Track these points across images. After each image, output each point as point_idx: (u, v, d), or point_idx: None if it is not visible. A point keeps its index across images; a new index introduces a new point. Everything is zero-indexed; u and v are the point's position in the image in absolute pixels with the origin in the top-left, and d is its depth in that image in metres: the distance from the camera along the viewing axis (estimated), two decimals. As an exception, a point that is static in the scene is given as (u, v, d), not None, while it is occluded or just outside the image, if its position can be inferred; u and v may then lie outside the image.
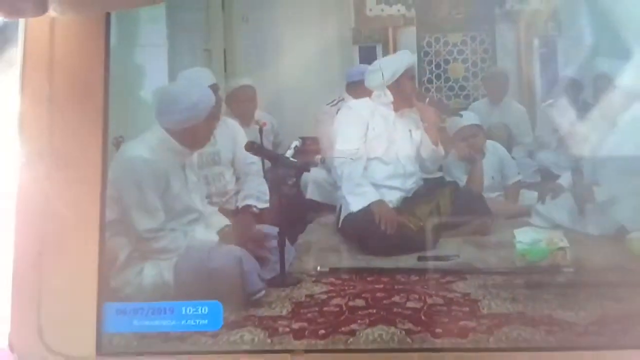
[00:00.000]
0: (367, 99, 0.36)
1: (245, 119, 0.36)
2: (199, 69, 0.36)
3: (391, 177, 0.36)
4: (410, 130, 0.36)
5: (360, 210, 0.33)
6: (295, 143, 0.35)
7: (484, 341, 0.33)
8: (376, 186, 0.35)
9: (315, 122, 0.36)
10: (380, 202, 0.33)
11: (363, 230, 0.34)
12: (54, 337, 0.33)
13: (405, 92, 0.36)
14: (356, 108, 0.36)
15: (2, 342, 0.39)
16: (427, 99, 0.36)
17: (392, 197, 0.35)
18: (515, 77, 0.35)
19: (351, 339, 0.34)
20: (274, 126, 0.36)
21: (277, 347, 0.33)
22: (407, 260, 0.35)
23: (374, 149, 0.35)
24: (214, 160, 0.37)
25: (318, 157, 0.34)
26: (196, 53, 0.36)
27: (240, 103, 0.36)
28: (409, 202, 0.35)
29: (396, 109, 0.36)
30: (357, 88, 0.36)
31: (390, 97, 0.37)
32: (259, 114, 0.36)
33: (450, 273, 0.34)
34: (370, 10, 0.39)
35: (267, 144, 0.36)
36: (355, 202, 0.34)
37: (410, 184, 0.35)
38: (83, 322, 0.33)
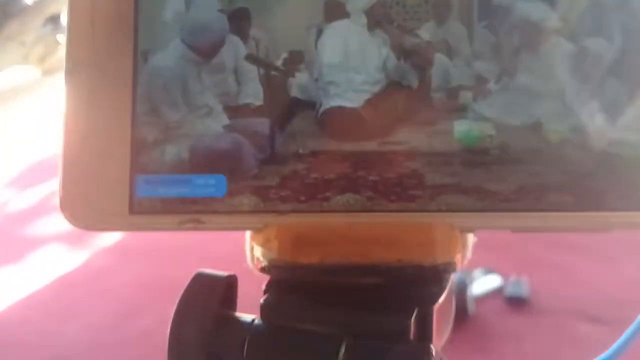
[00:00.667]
0: (346, 20, 0.44)
1: (243, 35, 0.44)
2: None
3: (362, 84, 0.44)
4: (379, 47, 0.45)
5: (340, 107, 0.42)
6: (284, 55, 0.44)
7: (427, 205, 0.42)
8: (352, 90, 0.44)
9: (300, 39, 0.44)
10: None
11: (339, 122, 0.43)
12: (96, 200, 0.42)
13: (377, 16, 0.44)
14: (338, 27, 0.44)
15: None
16: (395, 22, 0.44)
17: (361, 98, 0.44)
18: (458, 3, 0.44)
19: (325, 203, 0.43)
20: (267, 41, 0.44)
21: (268, 209, 0.43)
22: (370, 145, 0.44)
23: (351, 62, 0.44)
24: (220, 68, 0.45)
25: (302, 65, 0.43)
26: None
27: (239, 22, 0.44)
28: (372, 101, 0.44)
29: (369, 29, 0.44)
30: (335, 11, 0.44)
31: (364, 19, 0.45)
32: (253, 31, 0.44)
33: (402, 155, 0.43)
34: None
35: (262, 56, 0.44)
36: (344, 102, 0.42)
37: (376, 88, 0.43)
38: (118, 190, 0.42)
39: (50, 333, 2.14)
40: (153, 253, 2.60)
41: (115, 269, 2.50)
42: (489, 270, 2.10)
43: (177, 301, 0.44)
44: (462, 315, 1.88)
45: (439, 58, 0.42)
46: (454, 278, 0.43)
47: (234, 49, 0.43)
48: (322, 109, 0.41)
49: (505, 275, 2.05)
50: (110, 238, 2.80)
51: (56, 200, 0.43)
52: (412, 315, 0.38)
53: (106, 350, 2.01)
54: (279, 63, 0.43)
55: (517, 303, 1.95)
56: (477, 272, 2.08)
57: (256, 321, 0.41)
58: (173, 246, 2.66)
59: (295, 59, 0.42)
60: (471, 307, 1.90)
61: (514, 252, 2.26)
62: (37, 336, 2.13)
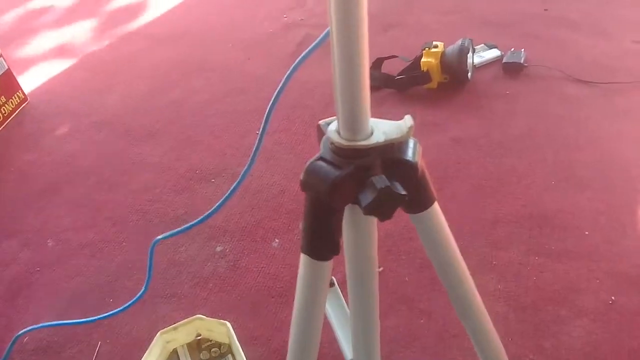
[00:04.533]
0: None
1: None
2: None
3: None
4: None
5: None
6: None
7: None
8: None
9: None
10: None
11: None
12: None
13: None
14: None
15: None
16: None
17: None
18: None
19: None
20: None
21: None
22: None
23: None
24: None
25: None
26: None
27: None
28: None
29: None
30: None
31: None
32: None
33: None
34: None
35: None
36: None
37: None
38: None
39: (94, 103, 2.25)
40: (180, 38, 2.63)
41: (145, 52, 2.54)
42: (491, 45, 2.11)
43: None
44: (462, 79, 1.93)
45: None
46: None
47: None
48: None
49: (505, 50, 2.07)
50: (135, 25, 2.82)
51: None
52: None
53: (142, 114, 2.13)
54: None
55: (513, 69, 1.98)
56: (479, 47, 2.10)
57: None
58: (199, 31, 2.68)
59: None
60: (471, 74, 1.95)
61: (516, 29, 2.25)
62: (83, 105, 2.25)
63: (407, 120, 0.47)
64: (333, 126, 0.48)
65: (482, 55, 2.08)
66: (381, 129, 0.47)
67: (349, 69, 0.42)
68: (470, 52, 1.91)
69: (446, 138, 1.76)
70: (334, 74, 0.44)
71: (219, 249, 1.53)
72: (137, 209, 1.71)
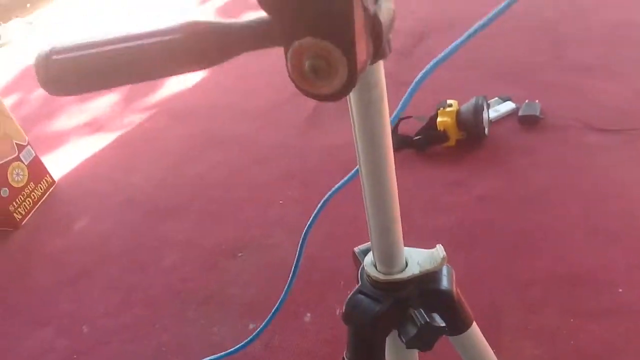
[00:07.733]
0: None
1: None
2: None
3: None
4: None
5: None
6: None
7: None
8: None
9: None
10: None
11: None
12: None
13: None
14: None
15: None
16: None
17: None
18: None
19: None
20: None
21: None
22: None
23: None
24: None
25: None
26: None
27: None
28: None
29: None
30: None
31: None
32: None
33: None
34: None
35: None
36: None
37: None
38: None
39: (119, 182, 2.32)
40: (196, 112, 2.71)
41: (167, 128, 2.63)
42: (505, 98, 2.15)
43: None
44: (480, 136, 1.96)
45: None
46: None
47: None
48: None
49: (519, 102, 2.10)
50: (157, 102, 2.91)
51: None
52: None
53: (167, 190, 2.19)
54: None
55: (529, 122, 2.01)
56: (493, 101, 2.14)
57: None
58: (213, 104, 2.76)
59: None
60: (487, 129, 1.98)
61: (529, 79, 2.29)
62: (109, 185, 2.32)
63: (440, 251, 0.50)
64: (369, 259, 0.50)
65: (497, 109, 2.11)
66: (415, 259, 0.50)
67: (382, 214, 0.45)
68: (485, 109, 1.95)
69: (470, 197, 1.77)
70: (367, 215, 0.47)
71: (251, 326, 1.55)
72: (168, 288, 1.74)
